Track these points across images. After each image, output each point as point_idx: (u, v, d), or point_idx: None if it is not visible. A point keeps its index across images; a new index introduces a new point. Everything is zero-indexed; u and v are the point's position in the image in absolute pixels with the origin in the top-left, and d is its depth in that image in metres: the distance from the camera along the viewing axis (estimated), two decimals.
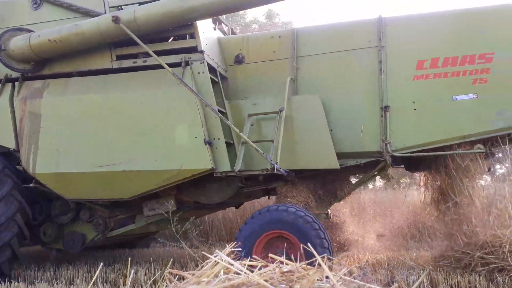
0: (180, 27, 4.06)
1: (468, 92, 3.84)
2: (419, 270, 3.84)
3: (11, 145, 4.32)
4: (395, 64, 4.05)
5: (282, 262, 1.66)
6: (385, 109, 3.98)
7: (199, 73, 3.96)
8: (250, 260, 1.73)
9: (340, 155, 4.08)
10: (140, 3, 4.12)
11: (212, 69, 4.17)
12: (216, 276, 1.62)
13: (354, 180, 5.01)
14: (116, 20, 3.84)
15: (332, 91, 4.20)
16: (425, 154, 3.90)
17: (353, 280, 1.55)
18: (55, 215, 4.85)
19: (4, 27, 4.49)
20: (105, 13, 4.25)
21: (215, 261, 1.68)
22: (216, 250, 1.74)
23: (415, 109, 3.96)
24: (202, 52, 3.98)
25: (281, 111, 3.87)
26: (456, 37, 3.96)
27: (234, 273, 1.64)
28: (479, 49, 3.86)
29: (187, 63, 3.96)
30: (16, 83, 4.47)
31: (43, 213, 4.83)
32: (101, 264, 2.77)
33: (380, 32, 4.11)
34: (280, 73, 4.31)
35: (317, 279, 1.51)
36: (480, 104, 3.82)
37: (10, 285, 3.95)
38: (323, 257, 1.59)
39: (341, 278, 1.53)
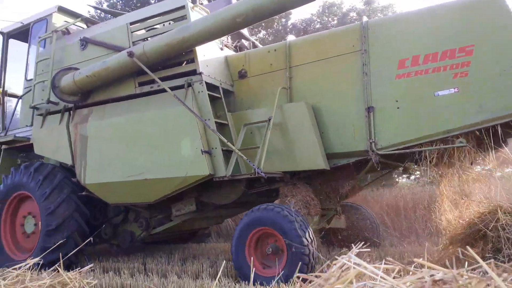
0: (183, 54, 4.74)
1: (449, 87, 3.88)
2: None
3: (69, 162, 5.44)
4: (378, 65, 4.23)
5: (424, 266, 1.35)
6: (368, 109, 4.19)
7: (199, 92, 4.60)
8: (384, 263, 1.59)
9: (331, 155, 4.41)
10: (152, 36, 4.92)
11: (214, 87, 4.79)
12: (351, 282, 1.43)
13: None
14: (130, 54, 4.68)
15: (323, 96, 4.52)
16: (408, 150, 4.03)
17: None
18: (111, 217, 5.93)
19: (61, 67, 5.65)
20: (129, 47, 5.12)
21: (344, 263, 1.52)
22: (349, 253, 1.59)
23: (398, 108, 4.10)
24: (200, 74, 4.61)
25: (269, 119, 4.33)
26: (435, 33, 4.00)
27: (368, 278, 1.43)
28: (458, 42, 3.87)
29: (189, 85, 4.63)
30: (71, 112, 5.61)
31: (102, 215, 5.95)
32: (224, 260, 3.37)
33: (363, 36, 4.31)
34: (277, 83, 4.75)
35: None
36: (461, 98, 3.83)
37: (147, 277, 4.45)
38: (489, 263, 1.30)
39: None
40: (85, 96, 5.48)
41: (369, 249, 2.49)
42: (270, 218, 3.97)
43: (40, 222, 5.35)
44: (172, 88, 4.68)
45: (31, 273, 2.51)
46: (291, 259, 3.80)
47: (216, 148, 4.42)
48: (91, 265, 2.99)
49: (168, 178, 4.61)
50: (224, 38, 6.00)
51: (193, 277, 4.49)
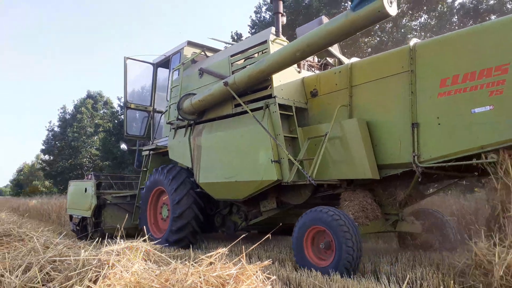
0: (263, 81, 5.91)
1: (485, 104, 4.11)
2: None
3: (189, 165, 7.20)
4: (423, 84, 4.65)
5: None
6: (413, 125, 4.66)
7: (273, 112, 5.71)
8: None
9: (383, 166, 5.01)
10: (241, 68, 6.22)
11: (286, 107, 5.83)
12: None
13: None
14: (225, 84, 6.09)
15: (376, 112, 5.13)
16: (444, 164, 4.37)
17: None
18: (220, 209, 7.52)
19: (186, 92, 7.46)
20: (230, 75, 6.53)
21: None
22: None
23: (439, 124, 4.48)
24: (275, 97, 5.72)
25: (326, 134, 5.17)
26: (474, 53, 4.24)
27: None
28: (495, 62, 4.07)
29: (266, 106, 5.79)
30: (191, 127, 7.36)
31: (214, 207, 7.58)
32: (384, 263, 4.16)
33: (410, 58, 4.78)
34: (340, 101, 5.52)
35: None
36: (496, 115, 4.03)
37: (311, 272, 4.54)
38: None
39: None
40: (200, 115, 7.14)
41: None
42: (323, 219, 4.82)
43: (169, 210, 7.26)
44: (255, 109, 5.92)
45: (221, 262, 2.67)
46: (339, 255, 4.59)
47: (284, 158, 5.47)
48: (270, 260, 3.10)
49: (250, 181, 5.87)
50: (310, 58, 6.98)
51: (355, 277, 4.38)
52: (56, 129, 41.14)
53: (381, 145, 5.02)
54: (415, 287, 3.91)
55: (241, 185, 6.05)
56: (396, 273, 4.46)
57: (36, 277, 3.17)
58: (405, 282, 3.12)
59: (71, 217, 10.06)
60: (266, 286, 2.50)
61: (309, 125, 5.89)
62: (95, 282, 2.71)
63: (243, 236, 3.54)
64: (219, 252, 2.79)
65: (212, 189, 6.73)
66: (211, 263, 2.68)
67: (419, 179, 4.64)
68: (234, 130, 6.29)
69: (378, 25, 19.55)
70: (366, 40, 20.84)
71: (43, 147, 40.53)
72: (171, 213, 7.11)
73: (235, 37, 23.47)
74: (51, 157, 39.54)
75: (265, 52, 6.01)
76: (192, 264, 2.60)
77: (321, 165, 5.20)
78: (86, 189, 9.10)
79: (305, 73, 6.40)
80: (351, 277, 4.35)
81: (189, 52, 8.19)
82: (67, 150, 38.85)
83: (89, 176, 10.16)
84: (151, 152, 8.84)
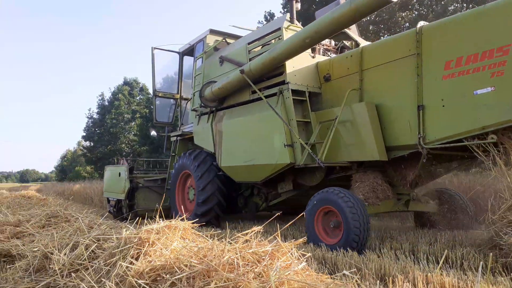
0: (277, 68, 6.17)
1: (487, 86, 4.20)
2: None
3: (212, 150, 7.62)
4: (428, 67, 4.77)
5: None
6: (419, 107, 4.80)
7: (286, 98, 5.98)
8: None
9: (392, 148, 5.20)
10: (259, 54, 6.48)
11: (300, 92, 6.07)
12: None
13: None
14: (241, 72, 6.40)
15: (385, 95, 5.29)
16: (447, 145, 4.51)
17: None
18: (243, 191, 7.92)
19: (207, 80, 7.83)
20: (247, 62, 6.82)
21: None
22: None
23: (443, 106, 4.60)
24: (288, 83, 5.97)
25: (335, 118, 5.40)
26: (476, 35, 4.31)
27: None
28: (496, 43, 4.14)
29: (280, 92, 6.05)
30: (213, 113, 7.75)
31: (238, 190, 8.00)
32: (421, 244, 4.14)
33: (416, 41, 4.89)
34: (351, 85, 5.70)
35: None
36: (497, 96, 4.12)
37: (347, 252, 4.53)
38: None
39: None
40: (221, 102, 7.51)
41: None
42: (332, 200, 5.09)
43: (195, 195, 7.75)
44: (270, 95, 6.21)
45: (256, 240, 2.71)
46: (347, 234, 4.87)
47: (296, 142, 5.75)
48: (304, 238, 3.12)
49: (266, 164, 6.21)
50: (326, 42, 7.14)
51: (392, 257, 4.37)
52: (95, 116, 42.98)
53: (390, 127, 5.19)
54: (455, 266, 3.94)
55: (258, 168, 6.40)
56: (435, 252, 4.43)
57: (82, 254, 3.38)
58: (441, 260, 3.24)
59: (108, 199, 10.83)
60: (301, 263, 2.50)
61: (323, 109, 6.12)
62: (136, 259, 2.82)
63: (277, 215, 3.67)
64: (255, 230, 2.85)
65: (233, 172, 7.12)
66: (246, 241, 2.73)
67: (424, 160, 4.80)
68: (252, 116, 6.61)
69: None
70: (403, 14, 20.41)
71: (84, 134, 42.53)
72: (196, 198, 7.59)
73: (268, 17, 23.55)
74: (91, 144, 41.49)
75: (280, 39, 6.25)
76: (228, 242, 2.67)
77: (332, 148, 5.46)
78: (120, 173, 9.78)
79: (320, 58, 6.59)
80: (381, 255, 4.33)
81: (211, 40, 8.52)
82: (106, 136, 40.63)
83: (122, 162, 10.88)
84: (178, 138, 9.34)
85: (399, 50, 5.12)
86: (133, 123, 41.90)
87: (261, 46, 6.82)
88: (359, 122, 5.33)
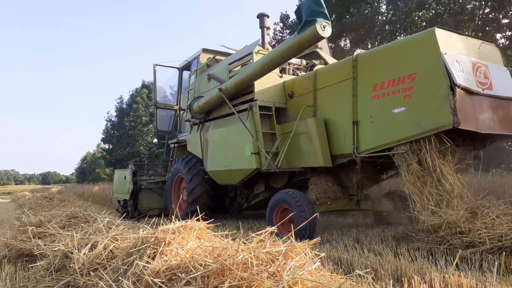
0: (248, 87, 7.36)
1: (401, 106, 5.27)
2: None
3: (200, 156, 8.85)
4: (361, 89, 5.85)
5: None
6: (354, 123, 5.90)
7: (255, 113, 7.15)
8: None
9: (336, 156, 6.31)
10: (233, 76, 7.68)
11: (268, 107, 7.23)
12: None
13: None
14: (220, 90, 7.62)
15: (331, 112, 6.40)
16: (372, 154, 5.60)
17: None
18: (228, 192, 9.14)
19: (197, 95, 9.07)
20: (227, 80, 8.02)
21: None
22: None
23: (371, 122, 5.69)
24: (256, 100, 7.15)
25: (291, 131, 6.55)
26: (394, 64, 5.39)
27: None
28: (407, 70, 5.20)
29: (250, 108, 7.24)
30: (202, 124, 8.98)
31: (224, 191, 9.22)
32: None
33: (353, 67, 5.99)
34: (308, 102, 6.83)
35: None
36: (407, 115, 5.18)
37: (363, 253, 4.61)
38: None
39: None
40: (207, 114, 8.75)
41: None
42: (286, 200, 6.25)
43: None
44: (242, 110, 7.40)
45: (270, 240, 2.76)
46: (297, 225, 6.00)
47: (261, 150, 6.92)
48: (318, 238, 3.20)
49: (240, 169, 7.40)
50: (297, 61, 8.29)
51: (409, 258, 4.36)
52: (114, 119, 45.05)
53: (334, 138, 6.30)
54: (473, 268, 3.91)
55: (234, 172, 7.61)
56: (453, 253, 4.42)
57: (101, 254, 3.51)
58: (455, 261, 3.49)
59: (118, 200, 12.25)
60: (315, 263, 2.54)
61: (287, 122, 7.27)
62: (153, 258, 2.90)
63: (290, 215, 3.92)
64: (268, 231, 2.92)
65: (216, 175, 8.34)
66: (261, 241, 2.80)
67: (356, 167, 5.91)
68: (229, 127, 7.83)
69: None
70: (420, 14, 20.97)
71: (103, 137, 44.68)
72: (187, 198, 8.85)
73: (284, 19, 24.61)
74: (110, 146, 43.55)
75: (251, 62, 7.43)
76: (243, 241, 2.72)
77: (290, 155, 6.61)
78: (125, 176, 11.16)
79: (289, 77, 7.73)
80: (403, 258, 4.37)
81: (204, 58, 9.77)
82: (125, 139, 42.53)
83: (130, 166, 12.27)
84: (176, 145, 10.65)
85: (342, 73, 6.23)
86: (151, 126, 43.67)
87: (240, 66, 8.02)
88: (309, 134, 6.46)
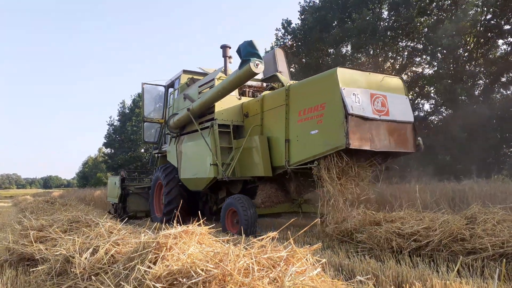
0: (210, 108, 9.05)
1: (315, 129, 6.91)
2: None
3: (176, 165, 10.53)
4: (291, 113, 7.49)
5: None
6: (286, 141, 7.55)
7: (215, 130, 8.83)
8: None
9: (276, 168, 7.96)
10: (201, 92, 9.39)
11: (226, 125, 8.91)
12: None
13: None
14: (188, 110, 9.33)
15: (273, 131, 8.04)
16: (298, 167, 7.24)
17: None
18: (201, 197, 10.85)
19: (175, 112, 10.78)
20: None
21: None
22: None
23: (297, 140, 7.33)
24: (215, 119, 8.83)
25: (241, 147, 8.22)
26: (312, 94, 7.00)
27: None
28: (320, 101, 6.81)
29: (212, 126, 8.92)
30: (178, 138, 10.69)
31: (198, 196, 10.92)
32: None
33: (286, 95, 7.65)
34: (257, 121, 8.49)
35: None
36: (320, 136, 6.79)
37: (364, 259, 4.67)
38: None
39: None
40: (182, 129, 10.46)
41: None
42: (234, 204, 7.93)
43: None
44: (205, 128, 9.10)
45: (271, 246, 2.78)
46: (241, 225, 7.67)
47: (218, 162, 8.60)
48: (319, 244, 3.24)
49: (203, 177, 9.07)
50: (258, 84, 9.99)
51: (410, 265, 4.44)
52: (116, 123, 46.85)
53: (275, 153, 7.95)
54: (474, 274, 4.04)
55: (199, 180, 9.30)
56: (454, 260, 4.54)
57: (102, 258, 3.55)
58: (456, 268, 3.57)
59: (112, 204, 14.05)
60: (316, 269, 2.58)
61: (242, 138, 8.95)
62: (154, 263, 2.94)
63: (292, 220, 3.97)
64: (270, 236, 2.97)
65: (187, 182, 10.04)
66: (262, 246, 2.85)
67: (287, 176, 7.57)
68: (196, 141, 9.52)
69: (435, 3, 20.19)
70: (422, 20, 20.95)
71: (105, 141, 46.52)
72: (164, 201, 10.56)
73: (286, 25, 25.97)
74: (112, 150, 45.34)
75: (212, 87, 9.13)
76: (244, 247, 2.78)
77: (242, 166, 8.29)
78: (115, 182, 12.95)
79: (247, 99, 9.41)
80: (403, 263, 4.51)
81: (185, 78, 11.47)
82: (127, 143, 44.17)
83: (122, 173, 14.05)
84: (159, 154, 12.40)
85: (279, 100, 7.88)
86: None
87: (209, 88, 9.71)
88: (254, 149, 8.13)
